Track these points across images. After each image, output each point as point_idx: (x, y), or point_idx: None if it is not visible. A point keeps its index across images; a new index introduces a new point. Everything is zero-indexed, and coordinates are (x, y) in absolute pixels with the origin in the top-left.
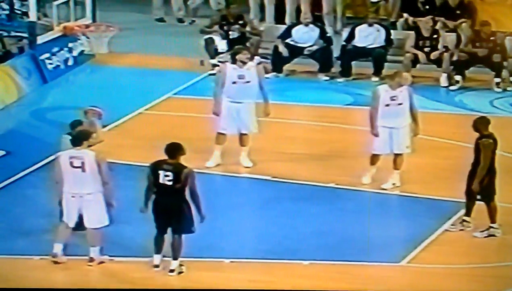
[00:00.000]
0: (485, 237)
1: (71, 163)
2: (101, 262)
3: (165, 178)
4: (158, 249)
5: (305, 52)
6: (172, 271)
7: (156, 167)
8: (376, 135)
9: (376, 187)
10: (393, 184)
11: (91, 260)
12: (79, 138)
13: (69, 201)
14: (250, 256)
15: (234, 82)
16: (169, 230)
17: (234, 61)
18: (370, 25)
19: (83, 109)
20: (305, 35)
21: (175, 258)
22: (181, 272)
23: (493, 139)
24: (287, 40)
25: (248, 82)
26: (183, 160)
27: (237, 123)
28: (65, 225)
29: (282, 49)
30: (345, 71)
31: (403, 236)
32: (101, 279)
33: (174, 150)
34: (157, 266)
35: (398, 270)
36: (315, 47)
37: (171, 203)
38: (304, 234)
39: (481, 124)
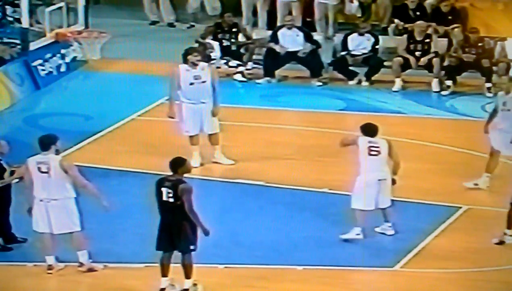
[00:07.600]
0: (496, 243)
1: (38, 168)
2: (92, 270)
3: (168, 195)
4: (164, 271)
5: (299, 54)
6: (186, 290)
7: (159, 184)
8: None
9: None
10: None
11: (81, 264)
12: (46, 142)
13: (38, 205)
14: (244, 261)
15: (191, 84)
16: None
17: (185, 61)
18: (361, 34)
19: None
20: (289, 39)
21: (187, 277)
22: None
23: None
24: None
25: (204, 82)
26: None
27: (199, 124)
28: (47, 235)
29: (279, 48)
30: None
31: (396, 241)
32: (95, 286)
33: (174, 164)
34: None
35: (391, 274)
36: (305, 51)
37: (172, 221)
38: (298, 239)
39: None
